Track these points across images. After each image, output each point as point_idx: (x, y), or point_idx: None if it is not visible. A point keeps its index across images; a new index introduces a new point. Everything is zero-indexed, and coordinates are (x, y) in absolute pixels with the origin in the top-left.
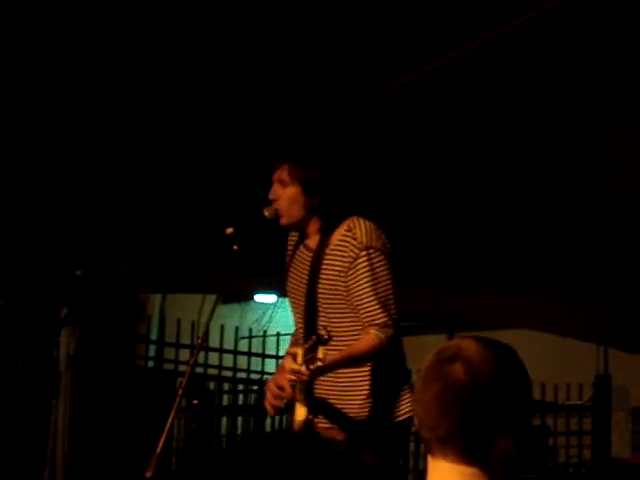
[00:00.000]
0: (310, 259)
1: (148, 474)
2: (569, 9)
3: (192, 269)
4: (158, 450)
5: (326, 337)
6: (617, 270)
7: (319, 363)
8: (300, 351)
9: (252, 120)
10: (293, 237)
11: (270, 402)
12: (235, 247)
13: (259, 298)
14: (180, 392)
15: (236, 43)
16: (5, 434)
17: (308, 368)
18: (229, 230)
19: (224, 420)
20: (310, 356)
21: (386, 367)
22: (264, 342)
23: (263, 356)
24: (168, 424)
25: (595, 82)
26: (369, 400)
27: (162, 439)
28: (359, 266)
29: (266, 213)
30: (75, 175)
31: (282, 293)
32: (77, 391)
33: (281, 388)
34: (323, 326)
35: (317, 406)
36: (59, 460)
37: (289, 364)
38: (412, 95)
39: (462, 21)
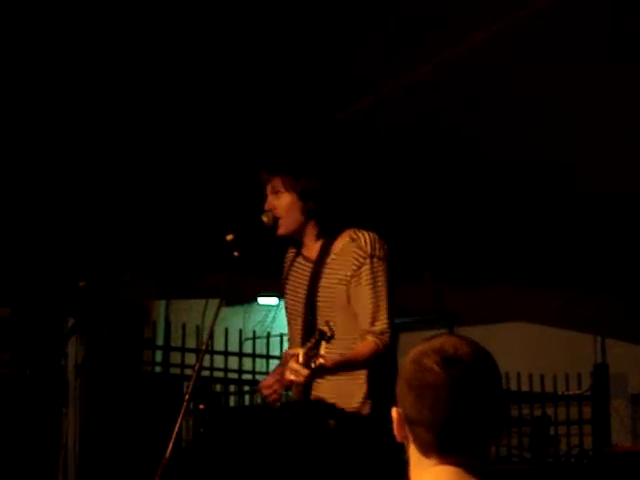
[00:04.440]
0: (310, 269)
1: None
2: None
3: (195, 274)
4: (167, 455)
5: (329, 334)
6: (611, 260)
7: (321, 360)
8: (302, 351)
9: (250, 128)
10: (290, 253)
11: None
12: (236, 253)
13: (262, 300)
14: (187, 396)
15: (232, 52)
16: (16, 444)
17: (309, 367)
18: (229, 237)
19: None
20: (312, 354)
21: (382, 374)
22: (268, 343)
23: (267, 357)
24: (176, 428)
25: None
26: (368, 400)
27: (171, 444)
28: (362, 274)
29: (264, 219)
30: (77, 186)
31: (283, 296)
32: (86, 399)
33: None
34: (326, 322)
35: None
36: (71, 468)
37: (290, 364)
38: (402, 100)
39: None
